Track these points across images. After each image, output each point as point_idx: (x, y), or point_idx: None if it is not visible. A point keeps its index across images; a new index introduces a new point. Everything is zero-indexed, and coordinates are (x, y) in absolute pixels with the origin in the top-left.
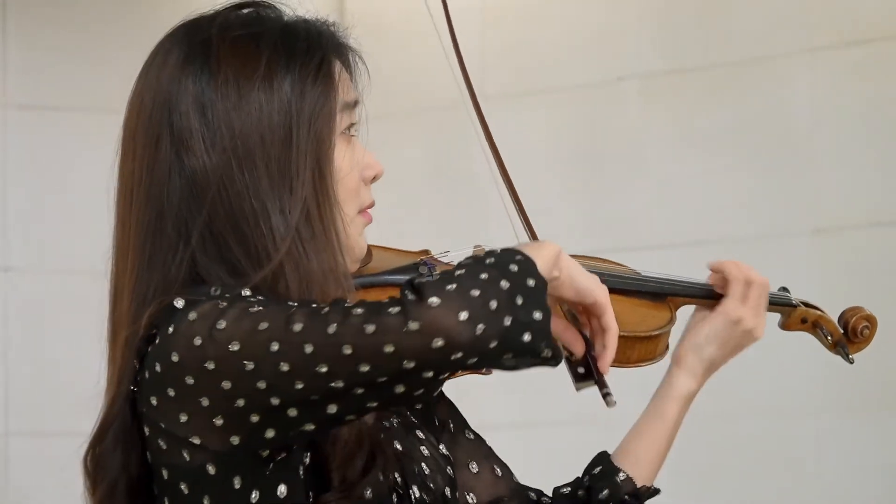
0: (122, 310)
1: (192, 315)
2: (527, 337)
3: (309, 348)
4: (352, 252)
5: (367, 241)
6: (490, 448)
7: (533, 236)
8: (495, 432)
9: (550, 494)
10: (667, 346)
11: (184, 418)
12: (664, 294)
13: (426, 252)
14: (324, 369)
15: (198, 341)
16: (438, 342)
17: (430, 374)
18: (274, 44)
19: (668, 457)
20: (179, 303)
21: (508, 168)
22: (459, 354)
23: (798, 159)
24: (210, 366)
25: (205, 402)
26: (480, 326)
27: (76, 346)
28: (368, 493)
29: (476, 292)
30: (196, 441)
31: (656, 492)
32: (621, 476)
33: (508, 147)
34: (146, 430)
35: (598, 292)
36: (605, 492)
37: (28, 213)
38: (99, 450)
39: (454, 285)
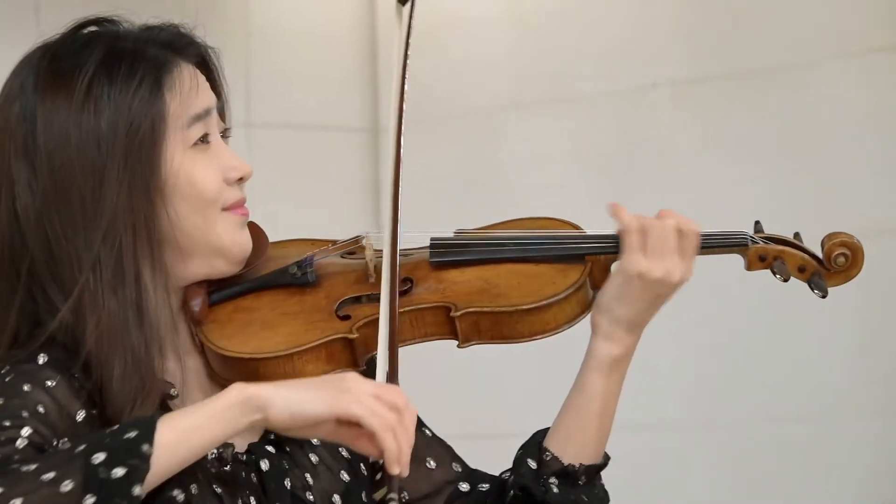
0: None
1: None
2: None
3: None
4: (228, 253)
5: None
6: (430, 438)
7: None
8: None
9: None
10: (582, 310)
11: None
12: (580, 254)
13: (357, 240)
14: None
15: None
16: None
17: None
18: (95, 70)
19: (714, 464)
20: None
21: (539, 173)
22: None
23: (830, 166)
24: None
25: None
26: None
27: None
28: None
29: (17, 501)
30: None
31: (595, 468)
32: (546, 456)
33: (540, 153)
34: None
35: (339, 406)
36: (512, 478)
37: None
38: None
39: (2, 489)
